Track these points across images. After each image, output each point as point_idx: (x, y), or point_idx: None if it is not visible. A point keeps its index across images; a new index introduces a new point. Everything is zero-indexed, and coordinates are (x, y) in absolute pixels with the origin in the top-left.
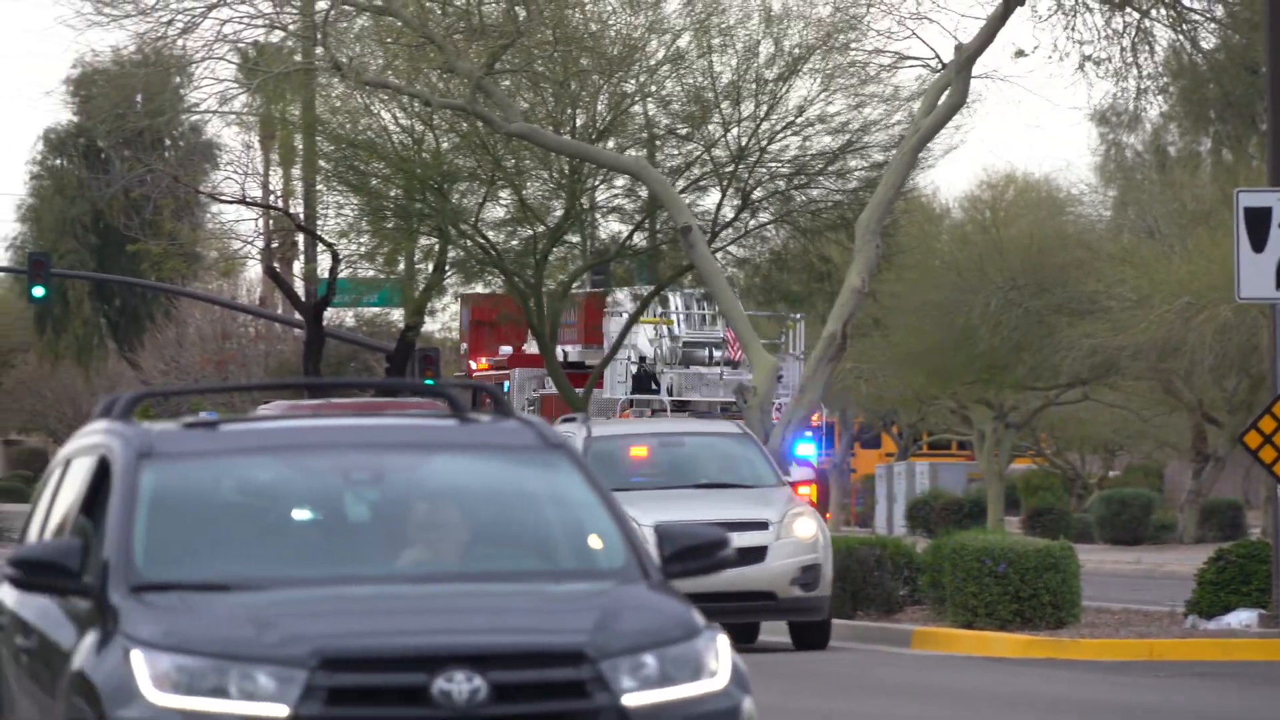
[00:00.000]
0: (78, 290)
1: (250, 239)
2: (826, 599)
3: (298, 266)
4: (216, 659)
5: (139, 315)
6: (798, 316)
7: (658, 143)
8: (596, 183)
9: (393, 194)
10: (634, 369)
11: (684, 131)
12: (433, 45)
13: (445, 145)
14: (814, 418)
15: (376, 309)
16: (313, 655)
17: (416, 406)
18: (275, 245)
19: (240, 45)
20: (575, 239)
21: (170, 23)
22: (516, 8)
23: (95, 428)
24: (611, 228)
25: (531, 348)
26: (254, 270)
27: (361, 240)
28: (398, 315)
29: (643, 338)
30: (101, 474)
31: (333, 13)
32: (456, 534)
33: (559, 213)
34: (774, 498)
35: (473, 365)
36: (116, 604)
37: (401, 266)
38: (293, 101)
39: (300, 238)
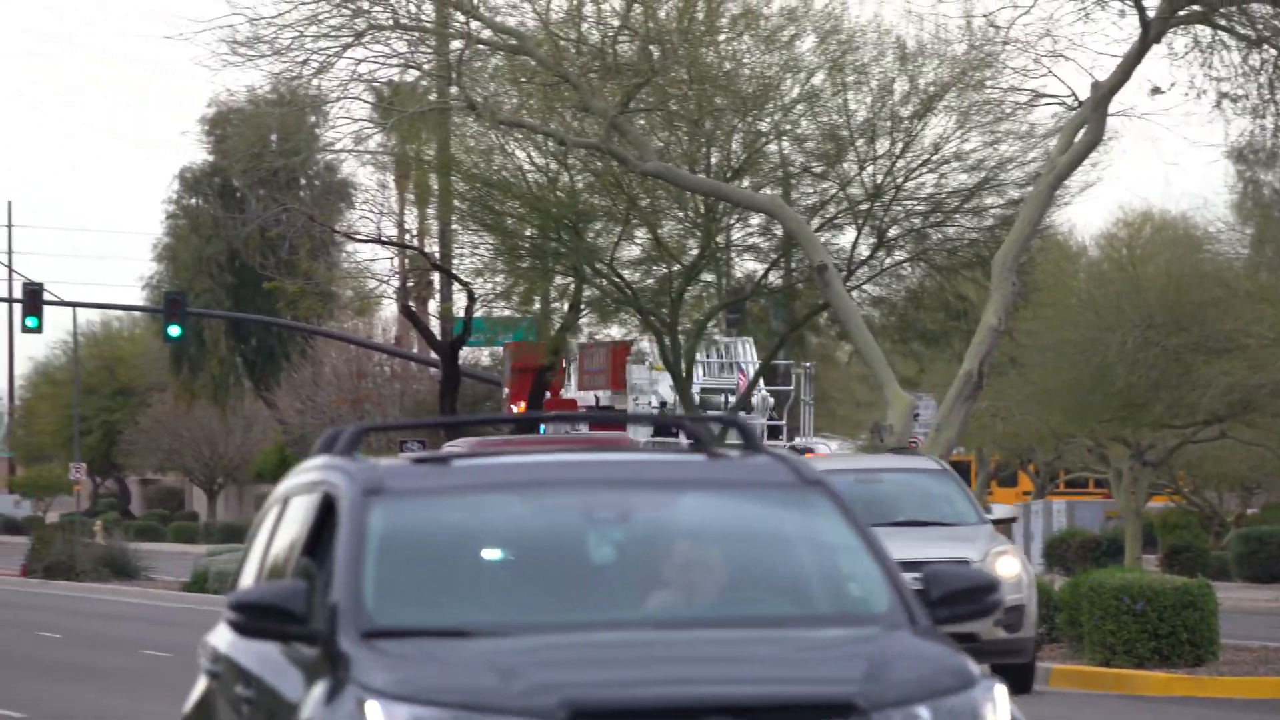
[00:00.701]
0: (214, 329)
1: (386, 278)
2: (1030, 641)
3: (433, 305)
4: (459, 710)
5: (275, 354)
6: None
7: (793, 181)
8: (732, 221)
9: (528, 233)
10: (656, 412)
11: (819, 169)
12: (567, 84)
13: (580, 184)
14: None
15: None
16: (562, 706)
17: (613, 442)
18: (411, 284)
19: (375, 85)
20: (710, 278)
21: (305, 62)
22: (651, 46)
23: (316, 464)
24: (747, 266)
25: (568, 393)
26: (390, 309)
27: (497, 279)
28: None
29: (664, 385)
30: (325, 512)
31: (467, 52)
32: (708, 576)
33: (694, 251)
34: (975, 535)
35: (514, 409)
36: (347, 651)
37: (537, 305)
38: (428, 141)
39: (436, 277)
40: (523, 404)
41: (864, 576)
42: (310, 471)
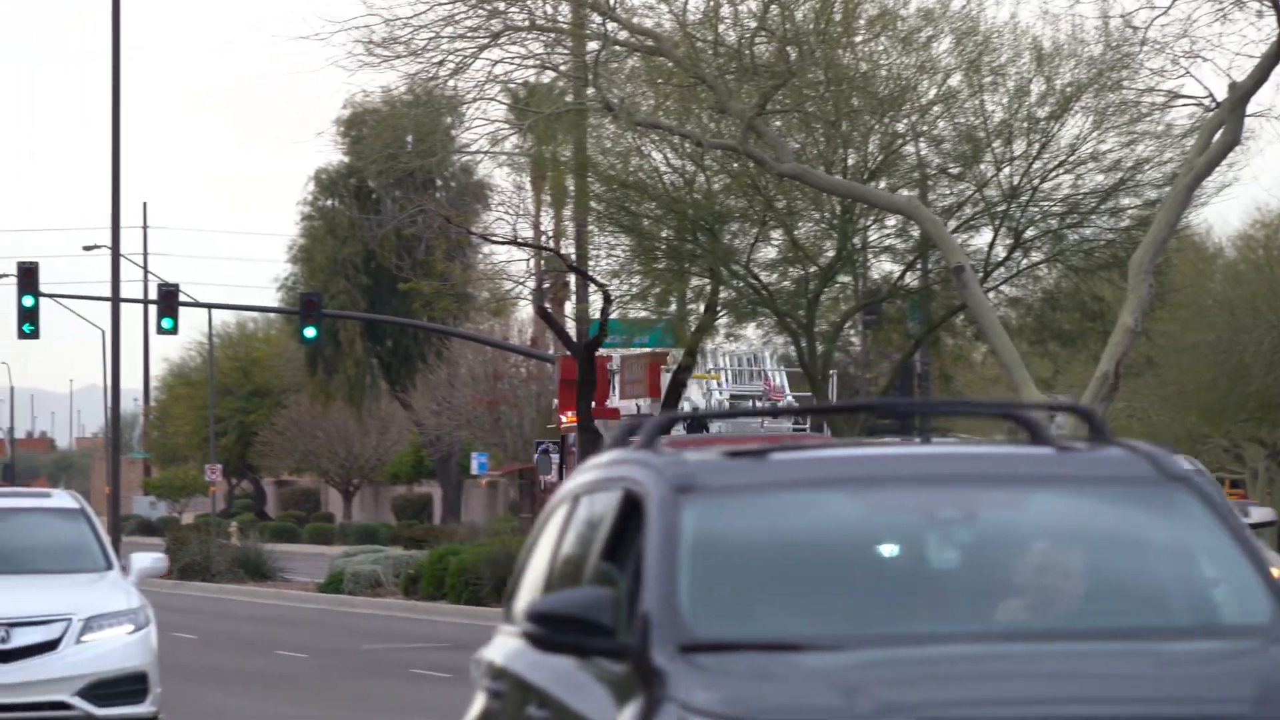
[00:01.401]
0: (349, 331)
1: (522, 279)
2: None
3: (569, 307)
4: None
5: (410, 355)
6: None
7: (930, 182)
8: (868, 222)
9: (664, 234)
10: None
11: (956, 171)
12: (704, 86)
13: (717, 185)
14: None
15: (648, 349)
16: None
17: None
18: (547, 285)
19: (511, 86)
20: (847, 279)
21: (441, 63)
22: (788, 48)
23: (613, 458)
24: (883, 268)
25: (612, 402)
26: (525, 311)
27: (633, 281)
28: (670, 355)
29: (696, 391)
30: (627, 512)
31: (604, 53)
32: (1065, 583)
33: (831, 253)
34: None
35: (563, 418)
36: (662, 667)
37: (673, 307)
38: (564, 142)
39: (572, 278)
40: (570, 413)
41: (1239, 584)
42: (605, 467)
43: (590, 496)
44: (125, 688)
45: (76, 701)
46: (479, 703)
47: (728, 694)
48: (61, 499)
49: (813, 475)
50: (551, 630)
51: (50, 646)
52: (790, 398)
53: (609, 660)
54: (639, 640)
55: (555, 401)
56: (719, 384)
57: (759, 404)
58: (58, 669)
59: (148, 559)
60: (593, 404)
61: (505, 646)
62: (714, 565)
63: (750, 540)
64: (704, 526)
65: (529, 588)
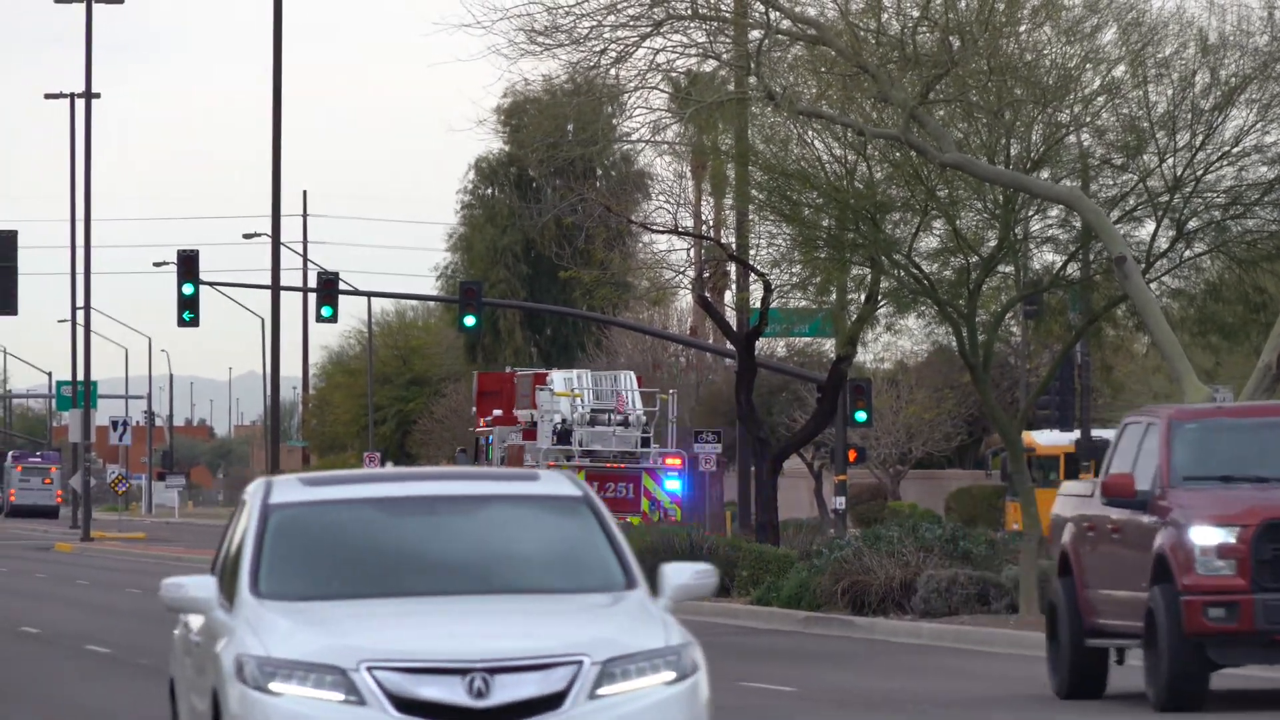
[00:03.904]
0: (509, 319)
1: (682, 268)
2: None
3: (729, 296)
4: None
5: (570, 344)
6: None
7: (1092, 173)
8: (1030, 213)
9: (825, 224)
10: (558, 427)
11: (1119, 162)
12: (867, 75)
13: (878, 175)
14: None
15: (808, 339)
16: None
17: None
18: (707, 275)
19: (673, 75)
20: (1008, 269)
21: (603, 52)
22: (951, 37)
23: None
24: (1045, 258)
25: (524, 411)
26: (685, 300)
27: (793, 270)
28: (829, 345)
29: (565, 404)
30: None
31: (766, 42)
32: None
33: (992, 243)
34: None
35: (480, 424)
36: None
37: (834, 296)
38: (725, 131)
39: (732, 267)
40: (483, 421)
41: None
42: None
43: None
44: None
45: None
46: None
47: None
48: (554, 482)
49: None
50: None
51: (552, 703)
52: (640, 412)
53: None
54: None
55: (473, 409)
56: (582, 400)
57: (614, 416)
58: None
59: (687, 570)
60: (499, 411)
61: None
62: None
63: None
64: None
65: None
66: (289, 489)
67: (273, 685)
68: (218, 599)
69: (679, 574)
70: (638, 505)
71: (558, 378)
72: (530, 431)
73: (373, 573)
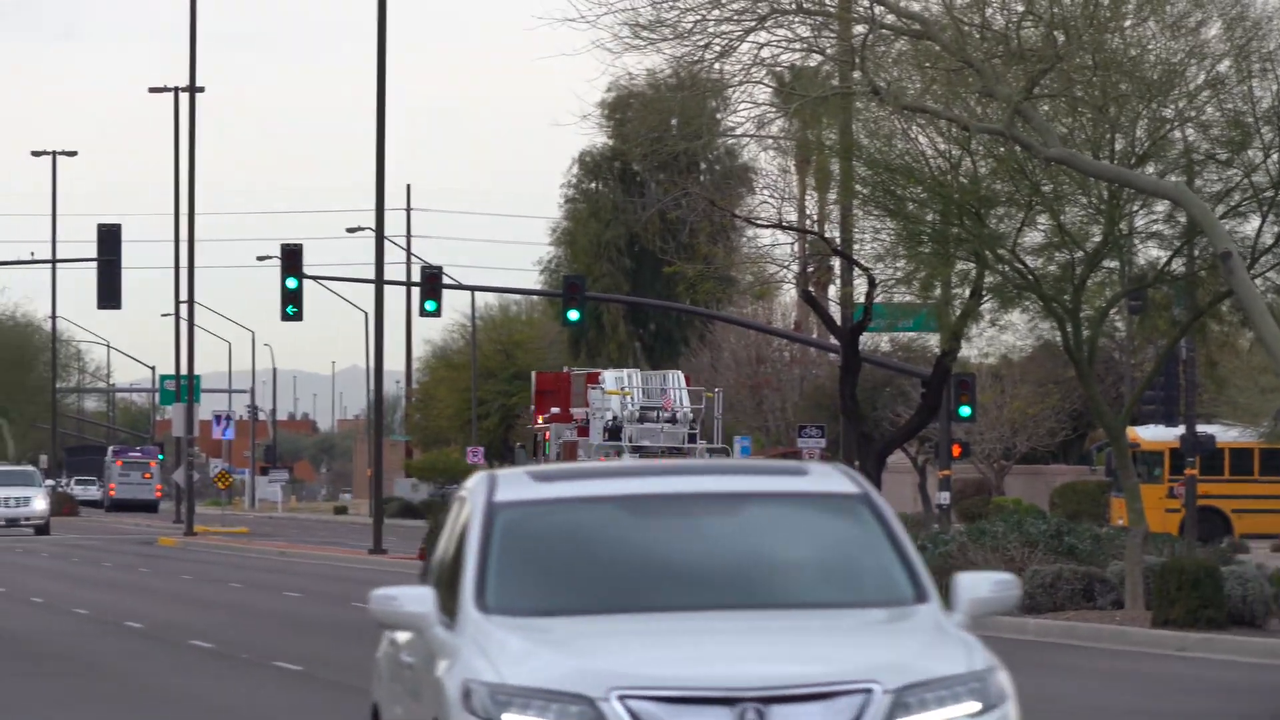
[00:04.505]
0: (612, 313)
1: (786, 263)
2: None
3: (833, 291)
4: None
5: (673, 338)
6: None
7: (1197, 168)
8: (1135, 208)
9: (929, 218)
10: (609, 424)
11: (1224, 156)
12: (971, 69)
13: (983, 169)
14: None
15: (912, 334)
16: None
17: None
18: (811, 269)
19: (777, 69)
20: (1113, 264)
21: (707, 46)
22: (1056, 32)
23: None
24: (1150, 253)
25: (579, 409)
26: (789, 294)
27: (898, 265)
28: (933, 340)
29: (616, 402)
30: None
31: (871, 37)
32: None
33: (1097, 238)
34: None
35: (538, 421)
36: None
37: (938, 291)
38: (829, 125)
39: (836, 262)
40: (541, 418)
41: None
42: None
43: None
44: None
45: None
46: None
47: None
48: (827, 476)
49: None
50: None
51: None
52: (687, 409)
53: None
54: None
55: (532, 408)
56: (632, 398)
57: (662, 414)
58: None
59: (985, 581)
60: (557, 409)
61: None
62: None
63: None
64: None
65: None
66: (516, 485)
67: (506, 716)
68: (437, 614)
69: (975, 585)
70: None
71: (609, 377)
72: (584, 428)
73: (618, 583)
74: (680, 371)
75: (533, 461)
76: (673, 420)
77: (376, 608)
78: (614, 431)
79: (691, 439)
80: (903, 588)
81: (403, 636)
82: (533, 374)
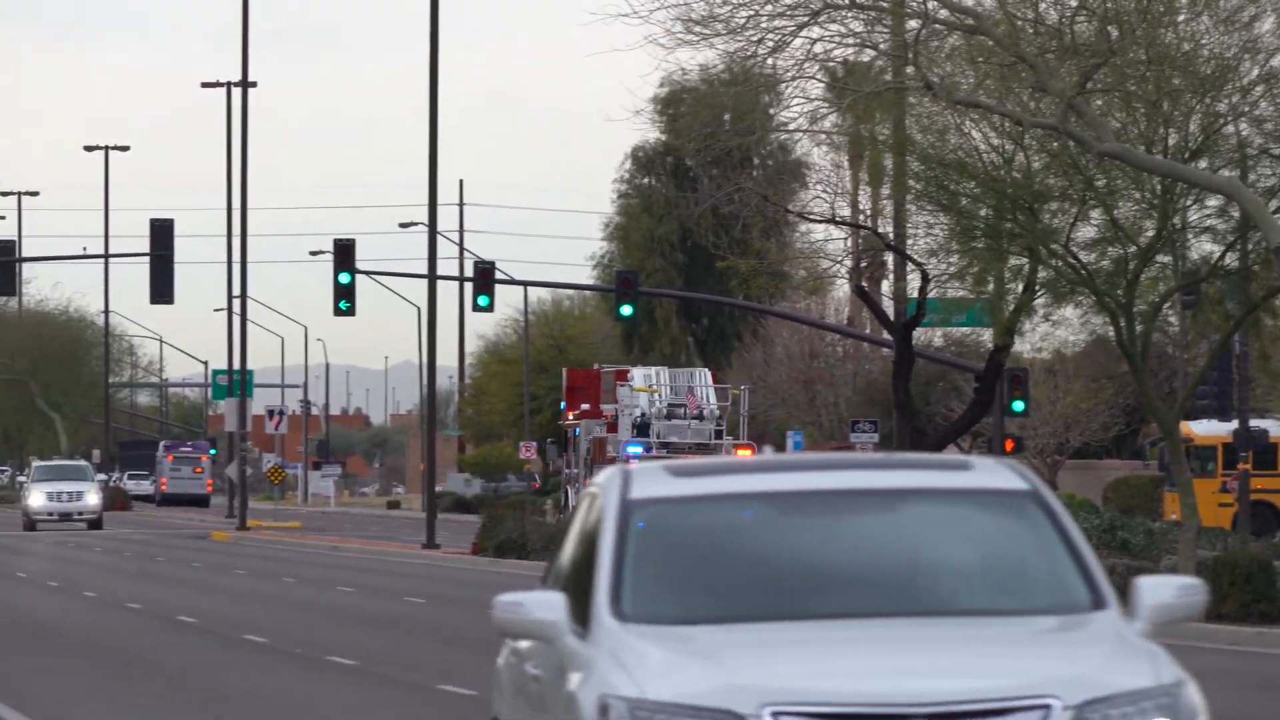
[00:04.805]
0: (665, 308)
1: (839, 258)
2: None
3: (886, 286)
4: None
5: (726, 334)
6: None
7: (1250, 162)
8: (1189, 202)
9: (982, 213)
10: (637, 420)
11: (1278, 151)
12: (1024, 64)
13: (1036, 164)
14: None
15: (965, 329)
16: None
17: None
18: (864, 264)
19: (830, 64)
20: (1166, 259)
21: (760, 41)
22: (1109, 27)
23: None
24: (1203, 248)
25: (609, 406)
26: (842, 289)
27: (951, 260)
28: (987, 335)
29: (644, 399)
30: None
31: (924, 32)
32: None
33: (1150, 232)
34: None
35: (569, 417)
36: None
37: (991, 286)
38: (882, 121)
39: (889, 257)
40: (571, 414)
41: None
42: None
43: None
44: None
45: None
46: None
47: None
48: (993, 472)
49: None
50: None
51: None
52: (713, 406)
53: None
54: None
55: (564, 404)
56: (660, 395)
57: (688, 411)
58: None
59: (1168, 586)
60: (587, 405)
61: None
62: None
63: None
64: None
65: None
66: (653, 481)
67: None
68: (569, 622)
69: (1158, 590)
70: None
71: (637, 374)
72: (613, 425)
73: (766, 588)
74: (706, 369)
75: (564, 457)
76: (700, 417)
77: (501, 615)
78: (642, 428)
79: (718, 435)
80: (1078, 593)
81: (525, 645)
82: (564, 371)
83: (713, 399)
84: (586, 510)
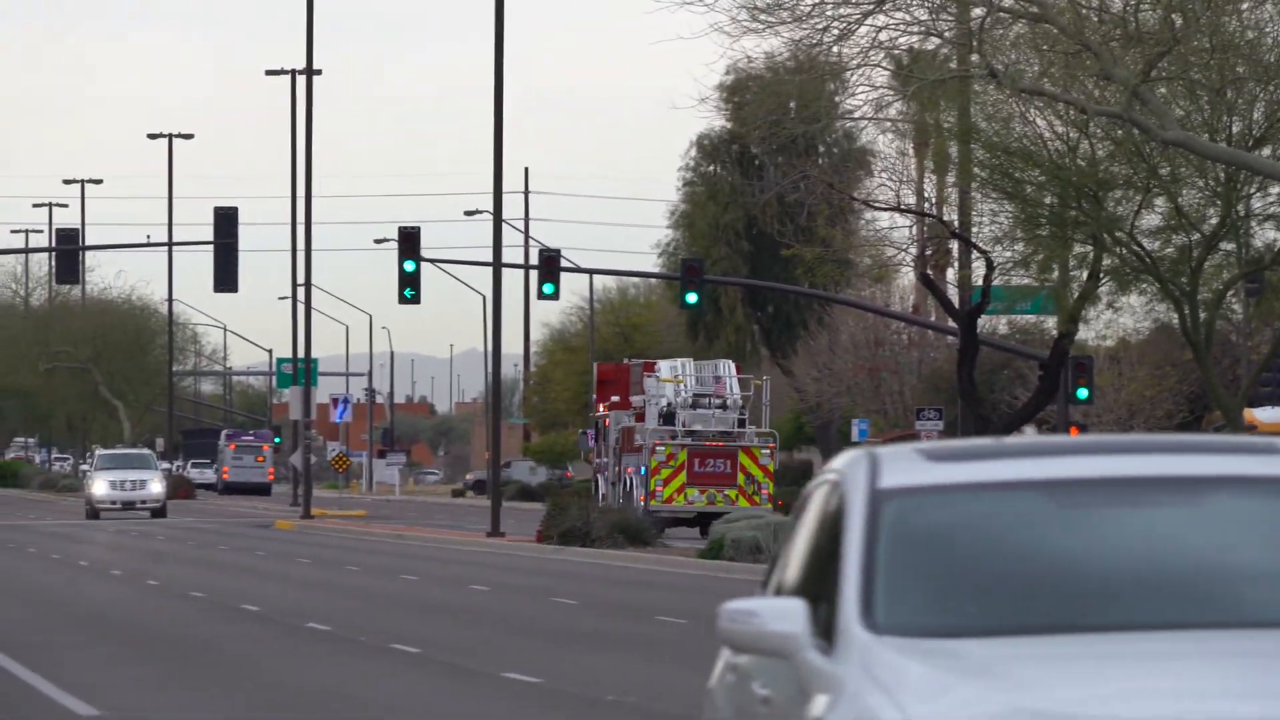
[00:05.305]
0: (730, 296)
1: (904, 246)
2: None
3: (951, 273)
4: None
5: (791, 322)
6: None
7: None
8: (1252, 190)
9: (1047, 201)
10: (663, 410)
11: None
12: (1089, 52)
13: (1101, 152)
14: None
15: (1030, 316)
16: None
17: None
18: (929, 252)
19: (895, 52)
20: (1230, 247)
21: (825, 29)
22: (1173, 15)
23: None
24: (1267, 235)
25: (637, 397)
26: (907, 277)
27: (1016, 247)
28: (1051, 322)
29: (670, 390)
30: None
31: (989, 20)
32: None
33: (1214, 220)
34: None
35: (600, 409)
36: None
37: (1055, 274)
38: (947, 108)
39: (954, 245)
40: (602, 406)
41: None
42: None
43: None
44: None
45: None
46: None
47: None
48: None
49: None
50: None
51: None
52: (737, 396)
53: None
54: None
55: (593, 397)
56: (685, 386)
57: (713, 400)
58: None
59: None
60: (616, 397)
61: None
62: None
63: None
64: None
65: None
66: (907, 466)
67: None
68: (810, 635)
69: None
70: (734, 479)
71: (663, 366)
72: (641, 415)
73: (1046, 594)
74: (730, 361)
75: (595, 447)
76: (724, 406)
77: (729, 626)
78: (668, 417)
79: (741, 424)
80: None
81: (746, 659)
82: (594, 365)
83: (736, 389)
84: (824, 501)
